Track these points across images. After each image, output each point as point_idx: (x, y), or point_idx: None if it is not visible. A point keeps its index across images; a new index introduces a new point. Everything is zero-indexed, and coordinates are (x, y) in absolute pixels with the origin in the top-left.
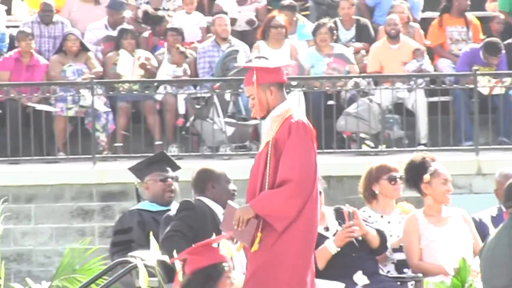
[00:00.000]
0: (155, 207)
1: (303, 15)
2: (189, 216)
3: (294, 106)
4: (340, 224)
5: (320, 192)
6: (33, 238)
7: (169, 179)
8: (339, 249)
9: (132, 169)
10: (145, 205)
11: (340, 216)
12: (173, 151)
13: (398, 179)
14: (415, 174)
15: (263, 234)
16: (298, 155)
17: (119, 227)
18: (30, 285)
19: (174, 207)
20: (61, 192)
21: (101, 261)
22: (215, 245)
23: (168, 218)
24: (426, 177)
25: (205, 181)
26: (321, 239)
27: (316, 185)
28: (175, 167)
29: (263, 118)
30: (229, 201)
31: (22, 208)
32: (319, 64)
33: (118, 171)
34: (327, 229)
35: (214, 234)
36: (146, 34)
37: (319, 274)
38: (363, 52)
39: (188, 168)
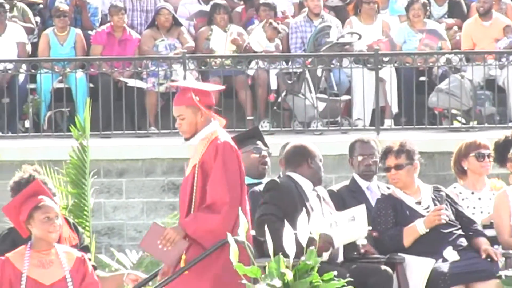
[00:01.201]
0: (247, 180)
1: None
2: (276, 196)
3: (220, 128)
4: (434, 202)
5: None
6: (124, 212)
7: (264, 152)
8: (428, 230)
9: None
10: None
11: (436, 194)
12: (264, 126)
13: (486, 157)
14: (504, 151)
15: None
16: (226, 177)
17: None
18: (117, 256)
19: (265, 182)
20: (152, 167)
21: None
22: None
23: (255, 194)
24: (510, 155)
25: (303, 156)
26: (412, 213)
27: (243, 203)
28: (266, 144)
29: (188, 139)
30: (155, 221)
31: (113, 182)
32: (411, 40)
33: None
34: (419, 203)
35: (303, 209)
36: (239, 9)
37: (408, 250)
38: (455, 28)
39: (279, 144)
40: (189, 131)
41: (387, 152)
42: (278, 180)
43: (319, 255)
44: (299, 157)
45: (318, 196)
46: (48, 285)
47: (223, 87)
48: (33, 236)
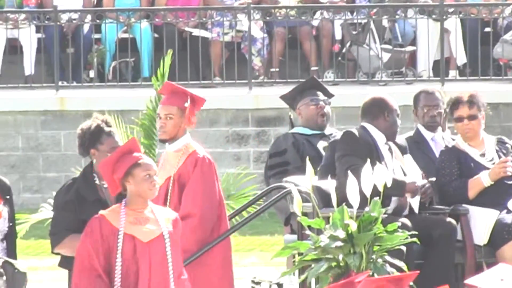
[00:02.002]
0: (308, 131)
1: None
2: (356, 148)
3: (192, 141)
4: (498, 153)
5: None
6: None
7: (321, 103)
8: (492, 182)
9: (283, 97)
10: (299, 129)
11: (500, 145)
12: (328, 76)
13: None
14: None
15: None
16: (201, 190)
17: (274, 150)
18: None
19: (328, 131)
20: (217, 117)
21: (254, 184)
22: None
23: (334, 143)
24: None
25: (382, 109)
26: (476, 165)
27: (222, 219)
28: (327, 93)
29: (165, 141)
30: None
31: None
32: None
33: (274, 96)
34: (483, 155)
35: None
36: None
37: (472, 201)
38: None
39: (343, 94)
40: (170, 134)
41: (457, 102)
42: (355, 131)
43: (412, 196)
44: (376, 109)
45: (389, 150)
46: (146, 242)
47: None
48: (128, 194)
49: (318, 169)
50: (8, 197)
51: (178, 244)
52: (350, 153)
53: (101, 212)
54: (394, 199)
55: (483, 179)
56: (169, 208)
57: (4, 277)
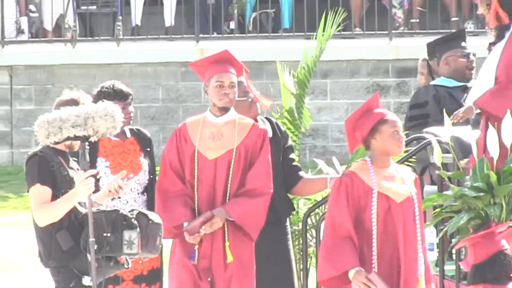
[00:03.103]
0: (451, 83)
1: None
2: None
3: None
4: None
5: None
6: (328, 113)
7: (471, 56)
8: None
9: (429, 45)
10: (442, 80)
11: None
12: (469, 27)
13: None
14: None
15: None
16: (268, 168)
17: (415, 101)
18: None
19: (471, 84)
20: (357, 68)
21: None
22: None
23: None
24: None
25: None
26: None
27: None
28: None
29: (226, 111)
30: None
31: (317, 84)
32: None
33: (414, 47)
34: None
35: None
36: None
37: None
38: None
39: (483, 45)
40: (232, 102)
41: None
42: None
43: None
44: None
45: None
46: (399, 203)
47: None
48: (373, 151)
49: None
50: (148, 149)
51: (421, 206)
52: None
53: (353, 169)
54: None
55: None
56: (251, 180)
57: (138, 229)
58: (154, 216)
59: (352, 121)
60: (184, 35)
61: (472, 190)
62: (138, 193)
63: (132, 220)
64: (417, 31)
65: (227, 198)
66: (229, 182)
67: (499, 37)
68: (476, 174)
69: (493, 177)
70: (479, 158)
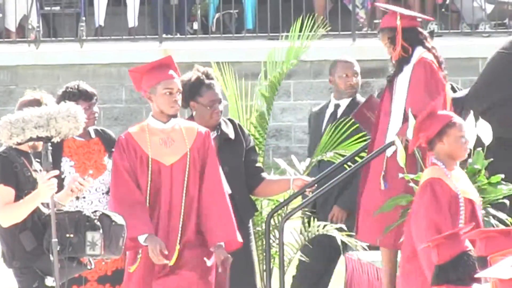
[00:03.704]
0: None
1: None
2: None
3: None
4: None
5: None
6: (292, 114)
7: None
8: None
9: None
10: None
11: None
12: (432, 28)
13: None
14: None
15: None
16: (218, 167)
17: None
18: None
19: None
20: (321, 68)
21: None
22: None
23: None
24: None
25: None
26: None
27: None
28: None
29: (174, 117)
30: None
31: (282, 84)
32: None
33: (377, 47)
34: None
35: None
36: None
37: None
38: None
39: (447, 46)
40: (179, 110)
41: None
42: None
43: None
44: None
45: None
46: (478, 204)
47: None
48: (439, 153)
49: None
50: (113, 150)
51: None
52: None
53: (435, 174)
54: None
55: None
56: (209, 184)
57: (101, 230)
58: (117, 218)
59: (418, 122)
60: (148, 36)
61: None
62: (103, 193)
63: (95, 221)
64: None
65: (183, 202)
66: (185, 185)
67: (399, 70)
68: None
69: None
70: None
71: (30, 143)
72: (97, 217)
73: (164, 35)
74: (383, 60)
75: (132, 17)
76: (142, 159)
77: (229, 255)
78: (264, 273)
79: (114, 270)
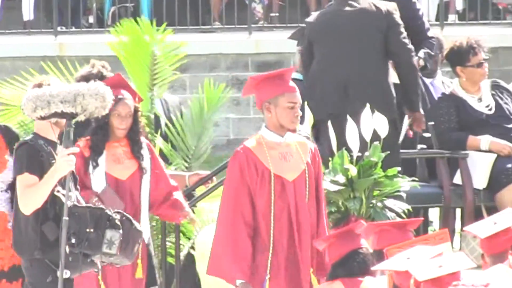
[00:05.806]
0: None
1: None
2: None
3: None
4: (494, 97)
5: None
6: (187, 107)
7: None
8: (488, 149)
9: (292, 37)
10: (297, 74)
11: (496, 89)
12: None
13: None
14: None
15: None
16: None
17: None
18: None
19: None
20: (217, 62)
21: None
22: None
23: None
24: None
25: None
26: (474, 113)
27: None
28: None
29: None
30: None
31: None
32: None
33: (274, 41)
34: (480, 100)
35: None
36: None
37: None
38: None
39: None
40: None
41: (473, 47)
42: None
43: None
44: None
45: None
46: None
47: None
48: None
49: None
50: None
51: None
52: None
53: None
54: None
55: (482, 144)
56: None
57: (121, 231)
58: (136, 223)
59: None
60: (43, 30)
61: (332, 184)
62: (1, 191)
63: (116, 221)
64: (276, 25)
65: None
66: (307, 201)
67: None
68: (336, 168)
69: (353, 171)
70: (339, 152)
71: (53, 120)
72: (119, 218)
73: (59, 29)
74: (279, 53)
75: (27, 11)
76: (263, 175)
77: None
78: (160, 267)
79: (11, 266)
